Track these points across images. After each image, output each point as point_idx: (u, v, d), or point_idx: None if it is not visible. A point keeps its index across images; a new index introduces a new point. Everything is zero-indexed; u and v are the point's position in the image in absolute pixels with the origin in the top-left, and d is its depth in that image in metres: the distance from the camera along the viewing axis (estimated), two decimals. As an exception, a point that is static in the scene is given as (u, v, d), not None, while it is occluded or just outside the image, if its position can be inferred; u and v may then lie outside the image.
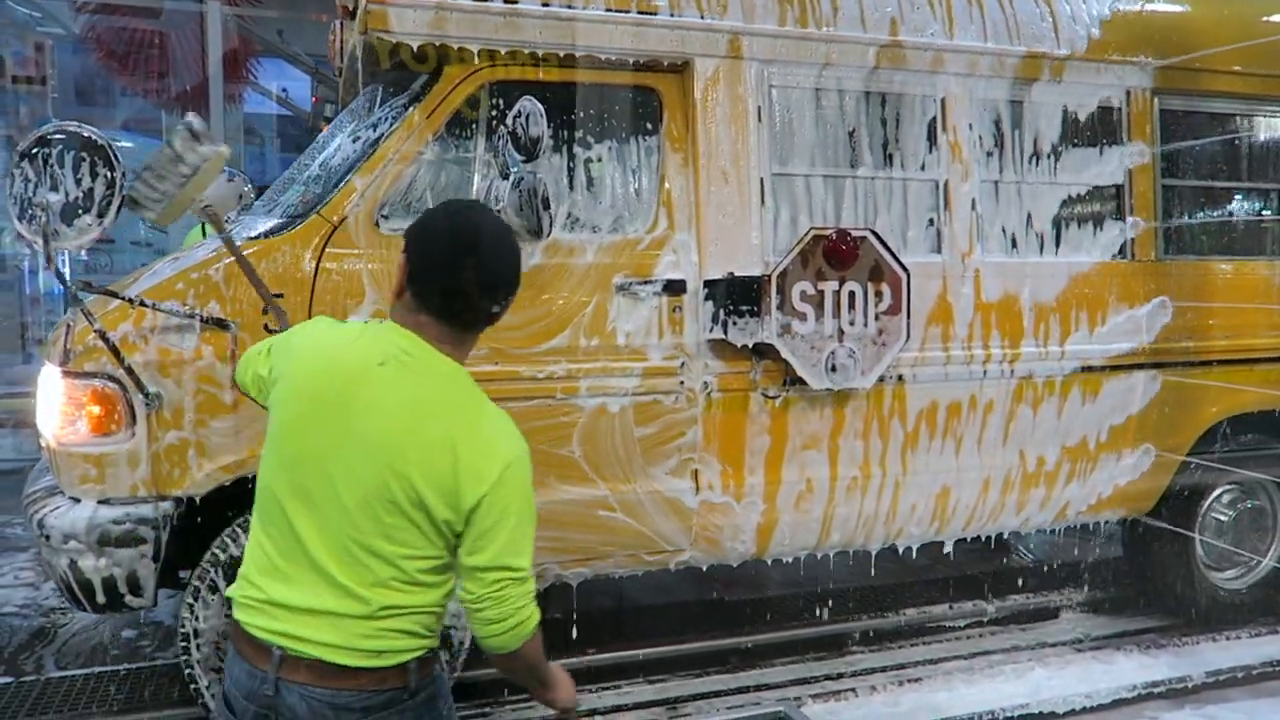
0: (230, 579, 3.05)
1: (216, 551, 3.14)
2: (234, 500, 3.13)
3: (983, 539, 4.24)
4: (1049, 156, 3.93)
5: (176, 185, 2.83)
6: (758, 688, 3.87)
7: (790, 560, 3.88)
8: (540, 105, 2.97)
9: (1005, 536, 4.45)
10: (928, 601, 4.64)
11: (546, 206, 3.04)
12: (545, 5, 3.28)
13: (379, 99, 3.62)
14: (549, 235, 3.10)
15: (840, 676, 3.97)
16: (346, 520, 1.71)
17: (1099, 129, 4.01)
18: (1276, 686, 4.00)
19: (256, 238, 3.19)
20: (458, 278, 1.75)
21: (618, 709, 3.70)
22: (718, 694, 3.81)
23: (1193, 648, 4.27)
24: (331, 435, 1.73)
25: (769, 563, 3.87)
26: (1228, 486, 4.41)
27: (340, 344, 1.84)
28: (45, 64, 11.87)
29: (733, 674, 3.99)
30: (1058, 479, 4.02)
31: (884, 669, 4.04)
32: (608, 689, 3.84)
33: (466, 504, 1.69)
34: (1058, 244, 3.97)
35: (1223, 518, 4.41)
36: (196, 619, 3.13)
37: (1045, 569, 4.96)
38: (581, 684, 3.74)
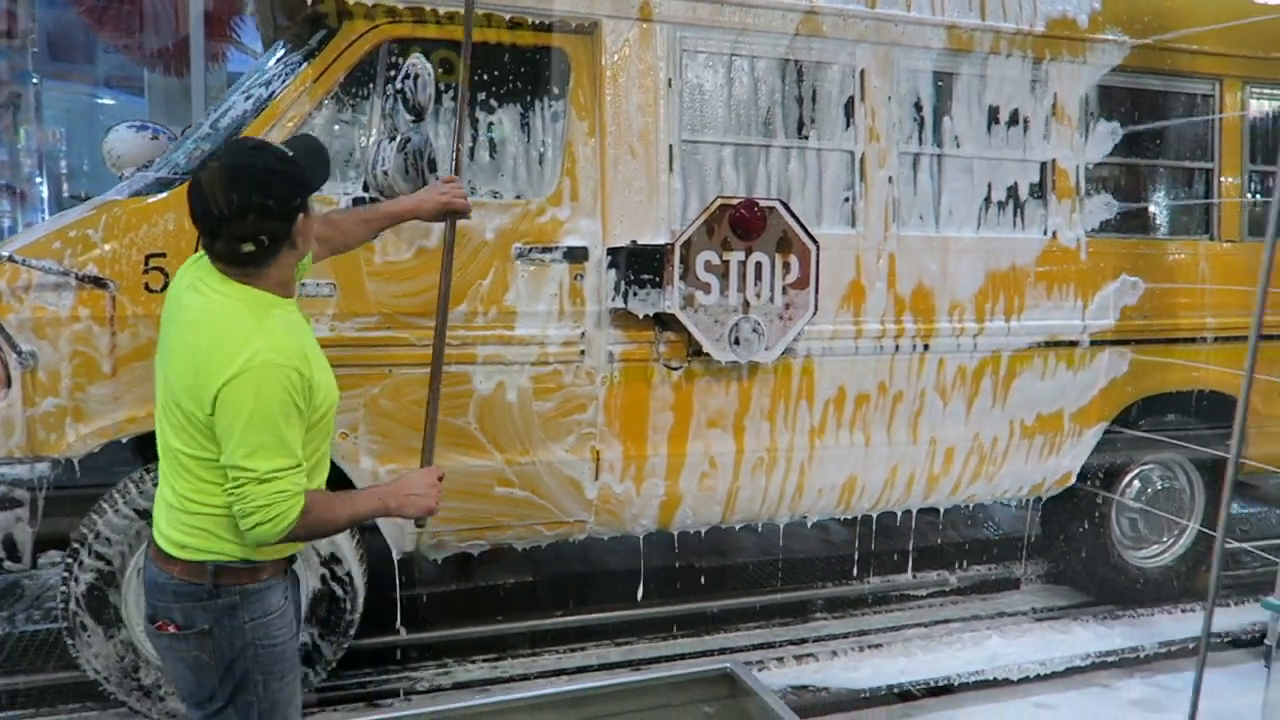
0: (107, 542, 2.97)
1: (94, 515, 3.01)
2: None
3: (942, 512, 4.25)
4: (972, 132, 3.77)
5: None
6: (722, 651, 3.87)
7: (759, 528, 3.91)
8: (429, 65, 2.81)
9: (970, 509, 4.37)
10: (892, 571, 4.63)
11: (433, 168, 2.88)
12: (445, -40, 3.10)
13: (277, 56, 3.44)
14: (436, 198, 2.93)
15: (804, 642, 3.98)
16: (162, 420, 1.93)
17: (1025, 106, 3.84)
18: (1227, 657, 3.99)
19: (136, 195, 3.02)
20: (196, 215, 1.86)
21: (583, 669, 3.68)
22: (682, 656, 3.78)
23: (1148, 619, 4.26)
24: (162, 352, 1.95)
25: (738, 529, 3.93)
26: (1145, 465, 4.30)
27: (178, 276, 2.00)
28: (25, 17, 11.55)
29: (698, 638, 4.00)
30: (970, 459, 3.91)
31: (846, 635, 4.06)
32: (575, 650, 3.85)
33: (206, 400, 1.81)
34: (979, 222, 3.82)
35: (1139, 497, 4.31)
36: (76, 583, 3.00)
37: (1009, 542, 4.93)
38: (549, 646, 3.81)
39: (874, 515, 3.99)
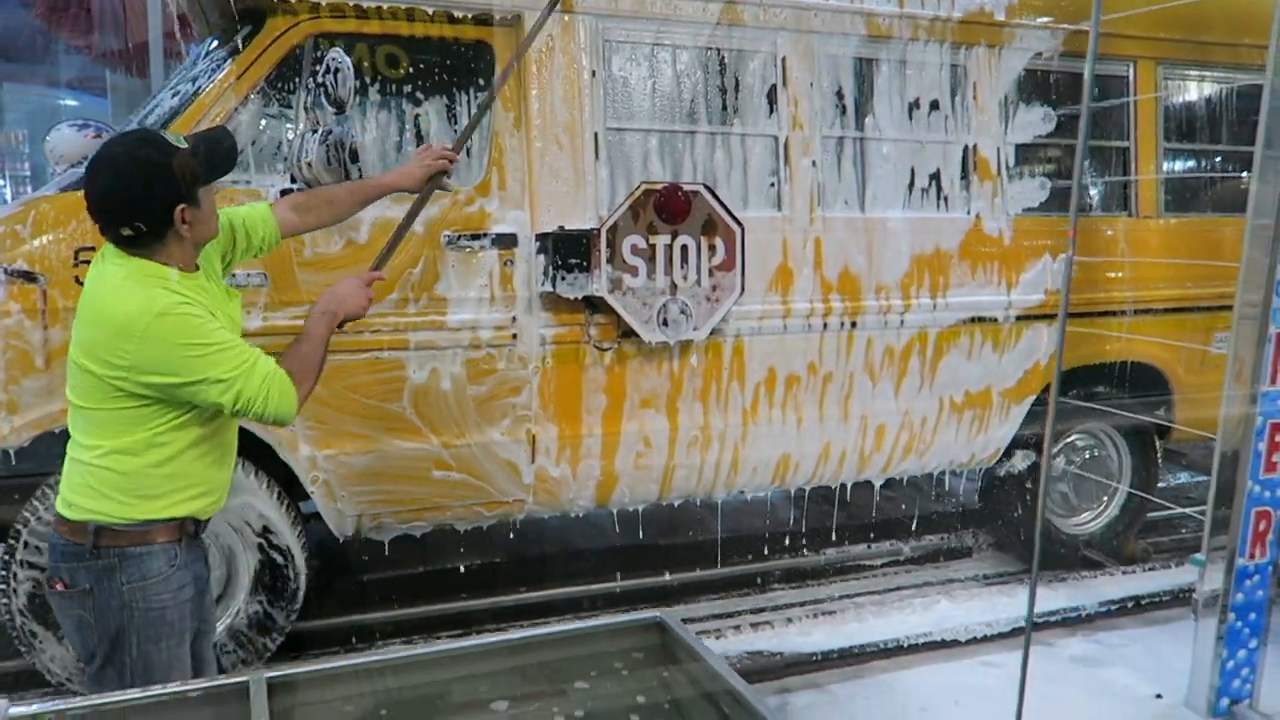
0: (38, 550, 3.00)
1: (26, 516, 3.04)
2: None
3: (903, 482, 4.38)
4: (893, 117, 3.85)
5: None
6: (684, 621, 3.90)
7: (721, 501, 4.05)
8: (349, 59, 2.85)
9: (928, 480, 4.54)
10: (848, 543, 4.73)
11: (355, 159, 2.93)
12: (367, -45, 3.14)
13: (205, 51, 3.47)
14: (359, 188, 2.98)
15: (761, 611, 4.07)
16: (71, 378, 2.03)
17: (946, 88, 3.92)
18: (1164, 615, 4.12)
19: (64, 189, 3.05)
20: (86, 200, 1.97)
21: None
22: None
23: (1091, 581, 4.36)
24: (77, 316, 2.04)
25: (697, 504, 4.00)
26: (1075, 436, 4.41)
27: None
28: None
29: (658, 610, 4.02)
30: (901, 433, 4.00)
31: (802, 604, 4.16)
32: (538, 625, 3.88)
33: (118, 361, 1.91)
34: (904, 202, 3.90)
35: (1069, 466, 4.42)
36: (15, 571, 3.04)
37: (959, 514, 5.05)
38: (509, 620, 3.89)
39: (826, 488, 4.10)
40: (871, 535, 4.78)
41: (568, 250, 3.32)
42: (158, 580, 2.05)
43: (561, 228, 3.36)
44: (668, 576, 4.28)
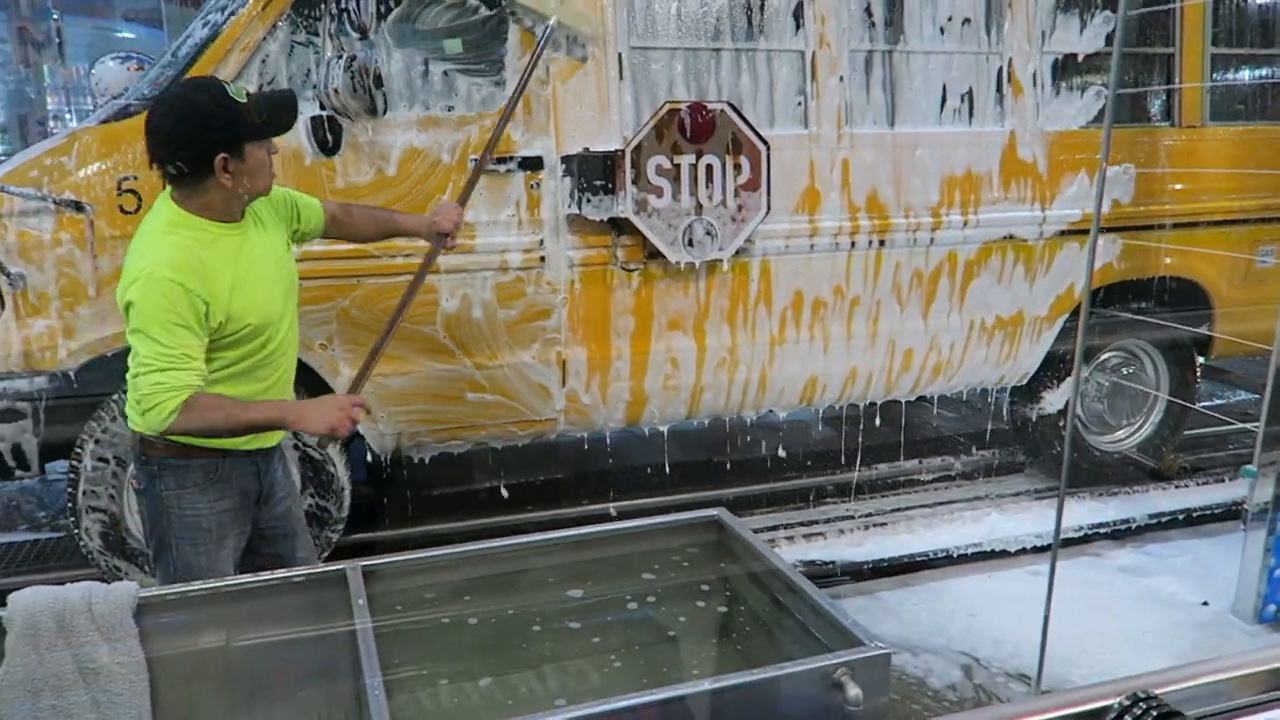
0: (110, 447, 3.15)
1: (93, 423, 3.20)
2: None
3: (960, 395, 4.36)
4: (923, 27, 3.72)
5: None
6: None
7: (775, 415, 4.06)
8: (371, -18, 2.85)
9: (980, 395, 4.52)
10: (900, 458, 4.74)
11: (379, 85, 2.96)
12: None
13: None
14: (385, 113, 3.02)
15: (813, 523, 4.14)
16: None
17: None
18: (1213, 528, 4.13)
19: (105, 121, 3.12)
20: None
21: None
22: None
23: (1142, 495, 4.36)
24: None
25: (751, 421, 4.04)
26: (1110, 354, 4.33)
27: None
28: None
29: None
30: (930, 352, 3.97)
31: (853, 516, 4.21)
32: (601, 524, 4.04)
33: (120, 300, 2.06)
34: (937, 116, 3.80)
35: (1102, 383, 4.35)
36: (80, 488, 3.21)
37: (1003, 431, 4.98)
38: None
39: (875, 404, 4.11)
40: (923, 451, 4.80)
41: (592, 172, 3.32)
42: (194, 490, 2.19)
43: (586, 149, 3.35)
44: (724, 491, 4.34)
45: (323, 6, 3.17)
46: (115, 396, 3.21)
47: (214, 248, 2.10)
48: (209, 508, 2.21)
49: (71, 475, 3.22)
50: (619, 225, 3.44)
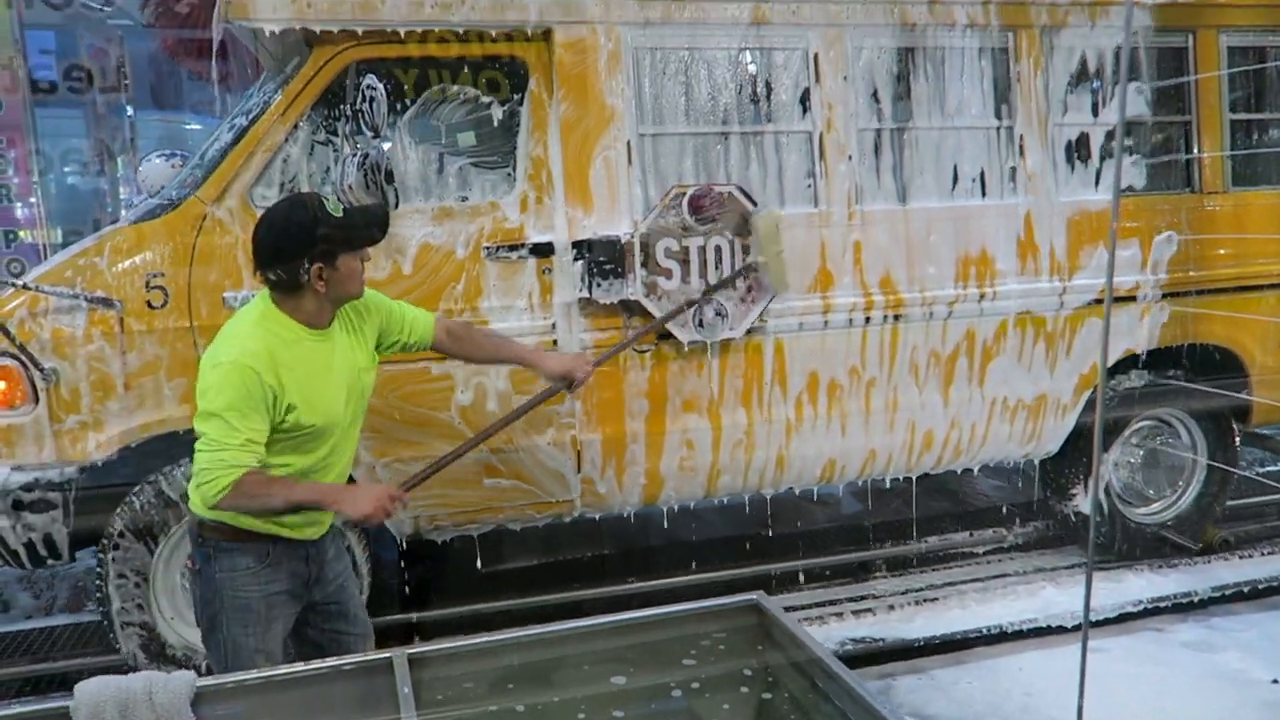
0: (139, 536, 3.18)
1: (122, 510, 3.24)
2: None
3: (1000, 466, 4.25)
4: (928, 103, 3.71)
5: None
6: (787, 609, 3.94)
7: (834, 489, 4.10)
8: (382, 86, 2.94)
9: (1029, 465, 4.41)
10: (950, 530, 4.64)
11: (390, 180, 3.03)
12: (401, -17, 3.20)
13: (259, 85, 3.61)
14: (396, 207, 3.07)
15: (862, 599, 4.05)
16: None
17: (983, 74, 3.76)
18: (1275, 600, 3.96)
19: (139, 220, 3.23)
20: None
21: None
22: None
23: (1204, 567, 4.21)
24: None
25: (797, 493, 3.98)
26: (1142, 423, 4.18)
27: None
28: (123, 60, 12.00)
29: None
30: (956, 425, 3.87)
31: (904, 592, 4.11)
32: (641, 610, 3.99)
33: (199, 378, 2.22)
34: (949, 190, 3.75)
35: (1137, 454, 4.19)
36: (110, 574, 3.25)
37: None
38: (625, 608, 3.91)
39: (926, 475, 4.02)
40: (974, 522, 4.66)
41: (603, 256, 3.34)
42: (245, 573, 2.29)
43: (596, 234, 3.37)
44: (768, 565, 4.27)
45: (340, 108, 3.27)
46: (138, 487, 3.26)
47: (295, 348, 2.24)
48: (260, 590, 2.30)
49: (99, 564, 3.26)
50: (630, 308, 3.44)
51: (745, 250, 3.44)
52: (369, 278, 3.21)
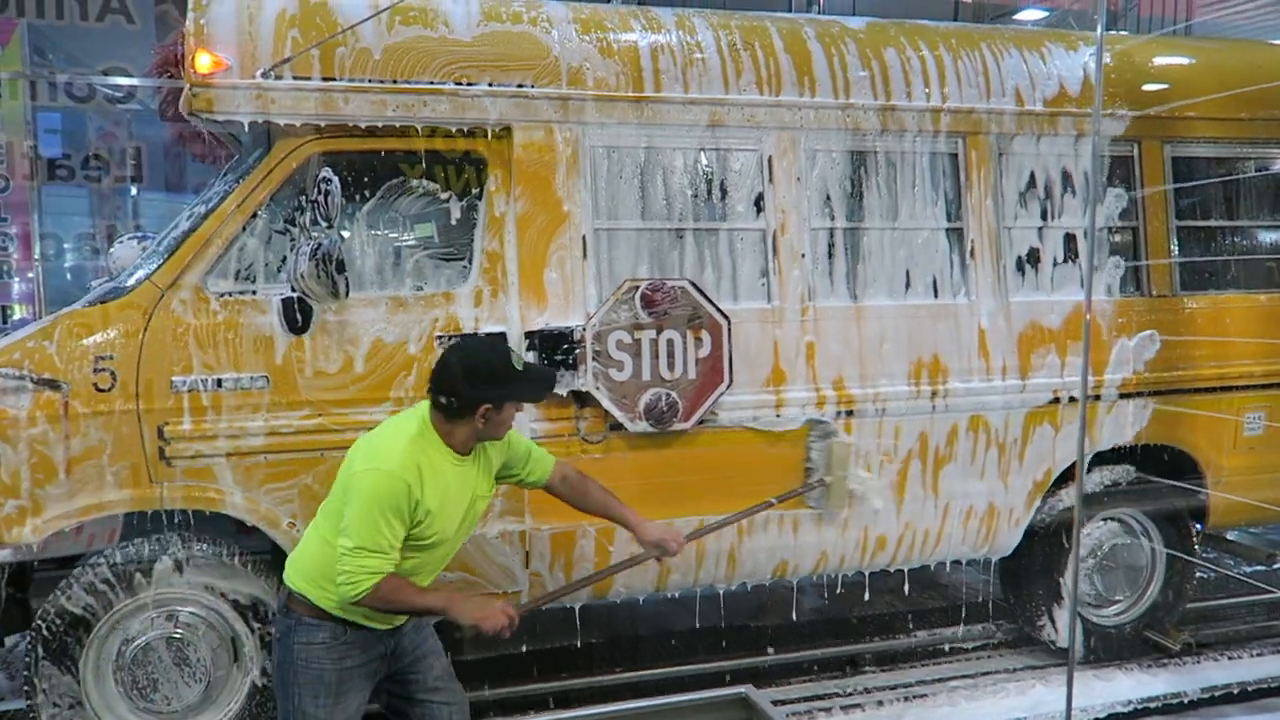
0: (66, 626, 3.06)
1: (56, 594, 3.13)
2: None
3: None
4: (878, 203, 3.73)
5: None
6: (776, 703, 3.78)
7: (809, 587, 4.03)
8: (337, 179, 2.96)
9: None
10: (938, 625, 4.54)
11: (341, 270, 3.00)
12: (364, 80, 3.23)
13: (221, 174, 3.62)
14: (346, 296, 3.06)
15: (851, 694, 3.96)
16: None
17: (932, 176, 3.79)
18: (1275, 704, 3.87)
19: (93, 302, 3.19)
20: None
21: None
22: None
23: (1194, 666, 4.12)
24: None
25: (793, 586, 3.94)
26: (1098, 523, 4.09)
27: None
28: (140, 148, 12.10)
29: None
30: (906, 521, 3.78)
31: (892, 687, 4.01)
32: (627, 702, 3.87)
33: (347, 477, 2.44)
34: (904, 288, 3.75)
35: (1094, 555, 4.09)
36: (39, 662, 3.11)
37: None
38: (603, 701, 3.66)
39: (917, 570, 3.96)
40: (962, 618, 4.55)
41: (554, 347, 3.31)
42: (321, 646, 2.44)
43: (548, 324, 3.34)
44: (757, 658, 4.19)
45: (299, 199, 3.27)
46: (75, 572, 3.15)
47: (440, 468, 2.44)
48: (334, 664, 2.45)
49: (30, 645, 3.13)
50: (581, 398, 3.39)
51: (698, 342, 3.41)
52: (320, 369, 3.21)
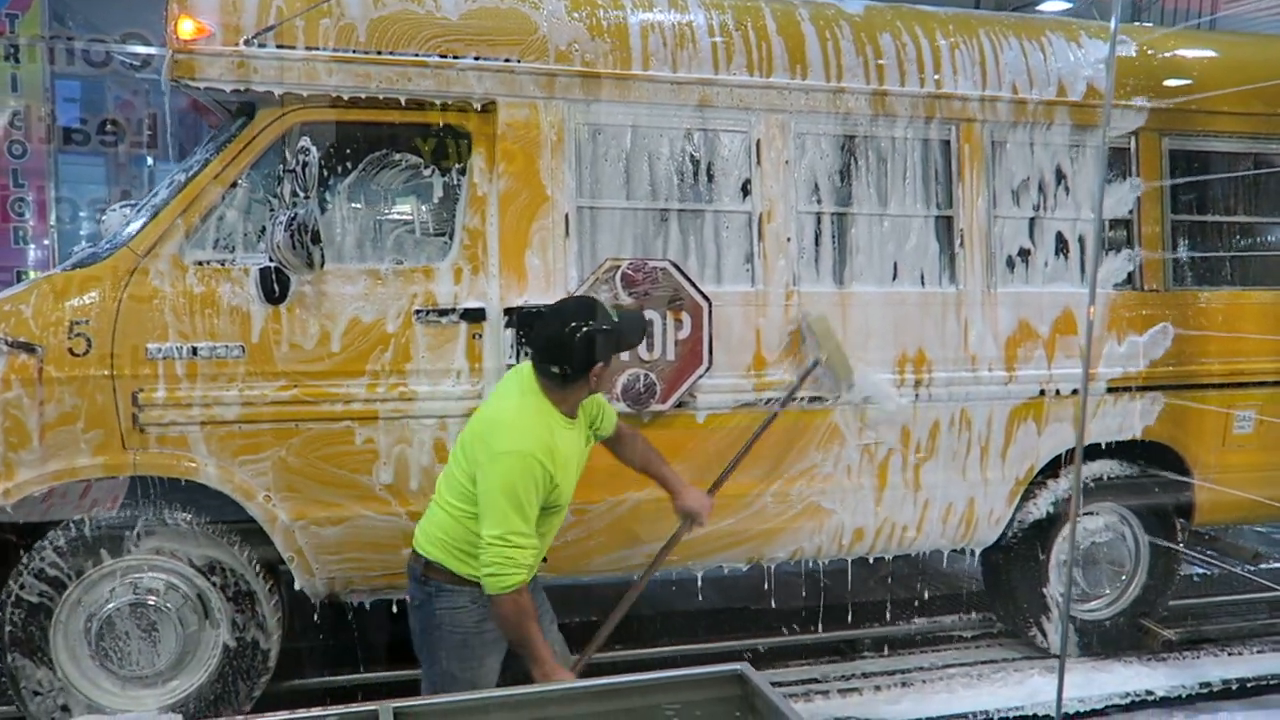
0: (38, 588, 3.03)
1: (27, 560, 3.10)
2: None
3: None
4: (866, 189, 3.64)
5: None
6: (772, 684, 3.77)
7: (811, 568, 3.93)
8: (315, 150, 2.88)
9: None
10: (939, 613, 4.49)
11: (316, 241, 2.94)
12: (348, 50, 3.16)
13: (203, 143, 3.56)
14: (321, 267, 3.00)
15: (849, 678, 3.92)
16: (455, 451, 2.59)
17: (924, 163, 3.69)
18: (1273, 700, 3.82)
19: (70, 268, 3.15)
20: (538, 340, 2.51)
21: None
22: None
23: (1193, 661, 4.05)
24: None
25: (795, 565, 3.87)
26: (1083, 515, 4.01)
27: (517, 368, 2.67)
28: (155, 116, 12.06)
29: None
30: (887, 509, 3.71)
31: (891, 673, 3.97)
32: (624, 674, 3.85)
33: (478, 459, 2.41)
34: (891, 275, 3.66)
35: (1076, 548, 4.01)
36: (8, 624, 3.09)
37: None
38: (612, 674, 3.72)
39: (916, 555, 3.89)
40: (963, 605, 4.51)
41: (532, 324, 3.23)
42: (463, 611, 2.50)
43: (527, 302, 3.27)
44: (755, 639, 4.15)
45: (279, 169, 3.21)
46: (47, 538, 3.13)
47: (560, 435, 2.45)
48: (476, 626, 2.50)
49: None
50: (560, 377, 3.32)
51: (678, 323, 3.34)
52: (296, 344, 3.16)
